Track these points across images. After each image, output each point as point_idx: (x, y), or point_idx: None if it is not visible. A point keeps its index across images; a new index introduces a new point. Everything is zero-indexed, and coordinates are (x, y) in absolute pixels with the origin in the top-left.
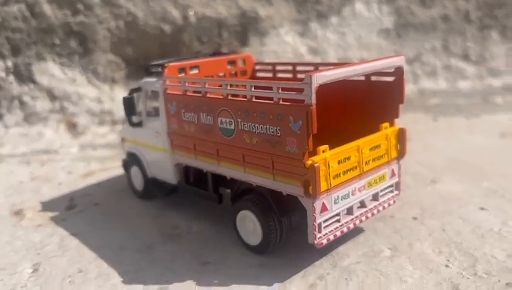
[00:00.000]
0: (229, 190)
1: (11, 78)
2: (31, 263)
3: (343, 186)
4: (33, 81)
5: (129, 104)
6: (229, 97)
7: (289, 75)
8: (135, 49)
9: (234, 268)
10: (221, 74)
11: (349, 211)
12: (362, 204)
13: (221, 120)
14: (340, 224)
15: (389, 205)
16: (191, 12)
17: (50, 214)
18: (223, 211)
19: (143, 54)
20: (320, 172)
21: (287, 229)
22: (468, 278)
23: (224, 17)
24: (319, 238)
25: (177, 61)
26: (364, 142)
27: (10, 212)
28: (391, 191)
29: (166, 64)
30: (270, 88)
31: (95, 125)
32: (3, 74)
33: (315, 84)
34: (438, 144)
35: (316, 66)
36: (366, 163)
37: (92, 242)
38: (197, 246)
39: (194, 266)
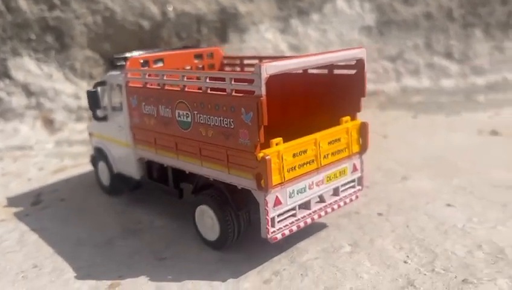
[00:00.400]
0: (191, 185)
1: None
2: None
3: (299, 180)
4: (9, 77)
5: (93, 98)
6: (186, 89)
7: None
8: (113, 45)
9: (192, 263)
10: (187, 68)
11: (307, 205)
12: (321, 199)
13: (179, 113)
14: (296, 219)
15: (351, 200)
16: (169, 8)
17: (14, 209)
18: (188, 206)
19: (121, 49)
20: (273, 165)
21: (246, 224)
22: (425, 274)
23: (203, 13)
24: (272, 233)
25: (143, 54)
26: (322, 136)
27: None
28: (353, 187)
29: (128, 57)
30: (223, 79)
31: (72, 122)
32: None
33: (264, 74)
34: (416, 141)
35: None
36: (324, 157)
37: (51, 238)
38: (158, 241)
39: (151, 262)
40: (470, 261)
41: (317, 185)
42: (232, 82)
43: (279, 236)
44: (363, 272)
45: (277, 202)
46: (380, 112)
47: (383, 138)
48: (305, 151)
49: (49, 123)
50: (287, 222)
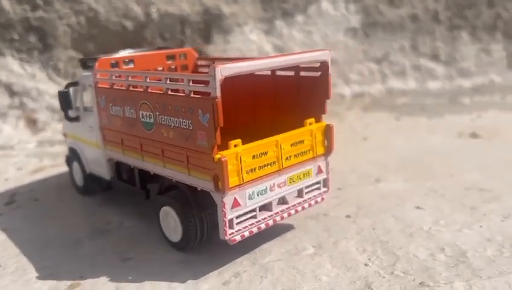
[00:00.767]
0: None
1: None
2: None
3: (259, 182)
4: None
5: (64, 98)
6: (149, 90)
7: None
8: (97, 45)
9: (155, 265)
10: (159, 69)
11: (268, 207)
12: (284, 201)
13: (142, 114)
14: (256, 220)
15: (316, 202)
16: (153, 9)
17: None
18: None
19: (105, 50)
20: (230, 166)
21: (210, 225)
22: (383, 277)
23: (187, 14)
24: (230, 235)
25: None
26: (283, 138)
27: None
28: (318, 189)
29: (98, 58)
30: (182, 80)
31: (55, 122)
32: None
33: (219, 76)
34: (395, 143)
35: None
36: (286, 159)
37: (19, 237)
38: (124, 242)
39: (115, 262)
40: (431, 264)
41: (279, 186)
42: (190, 83)
43: (238, 238)
44: (323, 274)
45: (235, 204)
46: (363, 114)
47: (363, 140)
48: (265, 153)
49: (32, 123)
50: (246, 224)
